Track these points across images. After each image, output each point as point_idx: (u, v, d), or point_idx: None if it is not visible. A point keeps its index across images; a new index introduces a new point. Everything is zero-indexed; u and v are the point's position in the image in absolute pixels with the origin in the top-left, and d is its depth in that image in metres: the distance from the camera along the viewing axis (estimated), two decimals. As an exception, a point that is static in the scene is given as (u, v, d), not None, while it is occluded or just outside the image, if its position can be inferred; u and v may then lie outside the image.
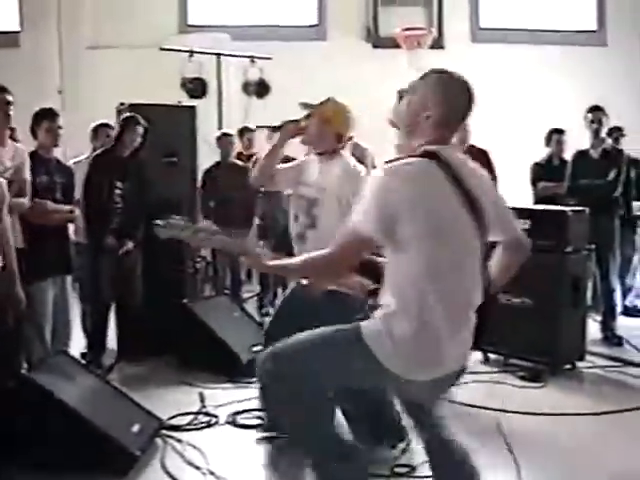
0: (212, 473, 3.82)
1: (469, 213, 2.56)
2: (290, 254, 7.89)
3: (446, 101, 2.60)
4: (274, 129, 4.24)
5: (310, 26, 10.14)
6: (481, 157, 7.39)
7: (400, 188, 2.47)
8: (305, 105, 4.06)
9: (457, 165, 2.58)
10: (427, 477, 3.84)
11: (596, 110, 6.51)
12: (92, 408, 4.03)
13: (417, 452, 4.08)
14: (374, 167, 5.12)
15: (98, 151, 5.89)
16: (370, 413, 4.14)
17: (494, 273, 2.81)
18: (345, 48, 9.73)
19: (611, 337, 6.47)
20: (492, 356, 5.91)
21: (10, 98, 4.96)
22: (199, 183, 7.15)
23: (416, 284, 2.51)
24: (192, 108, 6.73)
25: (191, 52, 8.31)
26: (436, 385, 2.68)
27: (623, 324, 6.74)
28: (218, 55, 8.58)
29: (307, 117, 4.10)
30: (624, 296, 7.30)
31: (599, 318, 6.60)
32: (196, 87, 8.44)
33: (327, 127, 3.97)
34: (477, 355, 5.96)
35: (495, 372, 5.67)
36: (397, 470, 3.89)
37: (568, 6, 10.53)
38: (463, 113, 2.66)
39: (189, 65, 8.36)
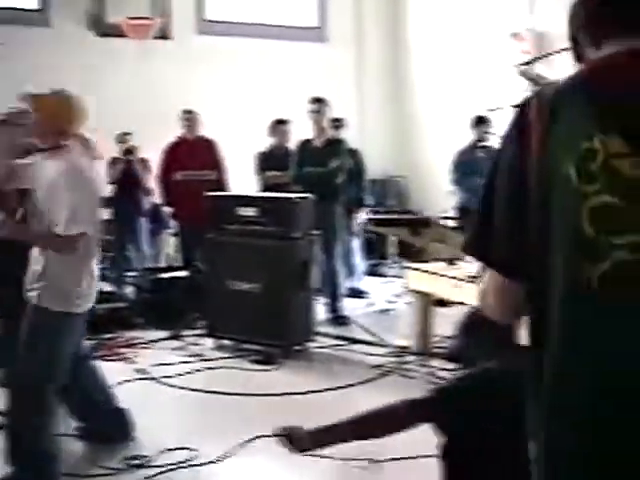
0: None
1: None
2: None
3: None
4: None
5: (33, 11, 9.57)
6: (208, 147, 7.44)
7: None
8: (27, 96, 3.65)
9: None
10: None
11: (317, 102, 6.79)
12: None
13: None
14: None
15: None
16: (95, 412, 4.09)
17: None
18: (69, 36, 9.32)
19: (337, 318, 6.78)
20: (226, 342, 6.00)
21: None
22: None
23: None
24: None
25: None
26: None
27: (348, 305, 7.10)
28: None
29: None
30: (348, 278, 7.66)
31: (325, 300, 6.88)
32: None
33: (53, 121, 3.55)
34: (209, 342, 6.04)
35: (229, 357, 5.75)
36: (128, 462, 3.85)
37: (292, 3, 10.85)
38: None
39: None
